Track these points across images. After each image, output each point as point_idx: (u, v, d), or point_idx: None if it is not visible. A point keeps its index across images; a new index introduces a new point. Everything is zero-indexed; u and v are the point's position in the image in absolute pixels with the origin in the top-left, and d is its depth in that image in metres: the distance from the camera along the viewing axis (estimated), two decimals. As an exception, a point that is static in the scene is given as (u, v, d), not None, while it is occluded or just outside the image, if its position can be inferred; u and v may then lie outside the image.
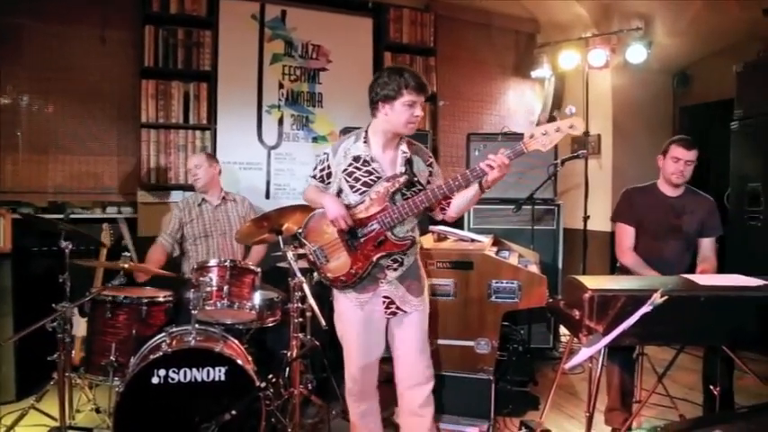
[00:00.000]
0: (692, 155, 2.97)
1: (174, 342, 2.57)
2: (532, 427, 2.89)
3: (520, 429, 2.95)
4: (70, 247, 2.84)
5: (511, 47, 5.72)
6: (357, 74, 4.76)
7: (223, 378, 2.50)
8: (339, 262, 2.36)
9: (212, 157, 3.68)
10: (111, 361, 2.67)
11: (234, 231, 3.37)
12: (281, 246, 2.79)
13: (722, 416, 2.38)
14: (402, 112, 2.26)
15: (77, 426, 2.86)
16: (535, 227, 4.16)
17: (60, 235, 2.83)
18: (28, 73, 4.02)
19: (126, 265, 2.77)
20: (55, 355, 2.67)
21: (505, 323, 3.20)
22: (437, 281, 2.99)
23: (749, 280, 2.30)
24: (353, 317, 2.40)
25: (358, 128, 2.47)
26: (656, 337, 2.19)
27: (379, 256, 2.31)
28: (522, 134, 2.21)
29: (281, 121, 4.67)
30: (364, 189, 2.33)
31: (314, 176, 2.48)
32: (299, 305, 2.78)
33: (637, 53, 4.78)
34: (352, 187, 2.34)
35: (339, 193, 2.39)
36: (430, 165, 2.45)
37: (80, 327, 3.00)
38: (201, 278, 2.76)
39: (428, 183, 2.40)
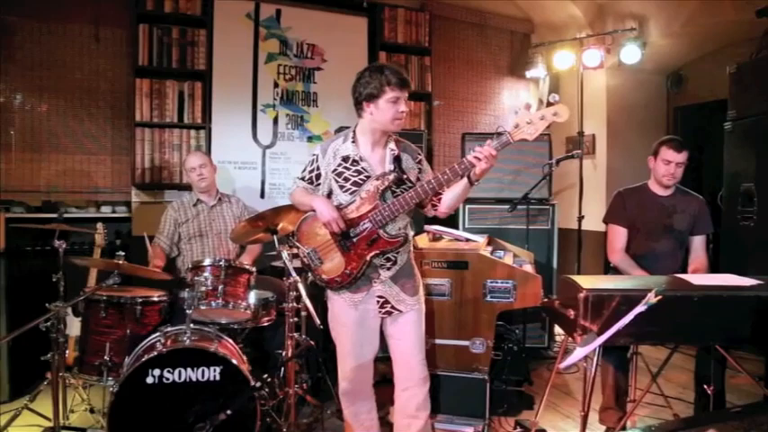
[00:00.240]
0: (682, 157, 2.99)
1: (168, 342, 2.56)
2: (527, 426, 2.90)
3: (515, 429, 2.96)
4: (64, 246, 2.83)
5: (506, 47, 5.73)
6: (352, 73, 4.53)
7: (218, 378, 2.49)
8: (333, 263, 2.36)
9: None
10: (106, 361, 2.66)
11: (229, 231, 3.36)
12: (276, 245, 2.78)
13: (716, 415, 2.39)
14: (387, 109, 2.26)
15: (71, 426, 2.86)
16: (530, 227, 4.18)
17: (54, 234, 2.82)
18: (21, 71, 4.00)
19: (121, 262, 2.76)
20: (48, 355, 2.65)
21: (500, 323, 3.21)
22: (432, 281, 2.99)
23: (742, 280, 2.32)
24: (347, 317, 2.40)
25: (353, 127, 2.47)
26: (651, 336, 2.20)
27: (372, 254, 2.31)
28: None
29: (275, 121, 4.65)
30: (354, 189, 2.33)
31: (302, 178, 2.47)
32: (294, 305, 2.78)
33: (631, 54, 4.79)
34: (341, 187, 2.35)
35: (329, 194, 2.39)
36: (419, 162, 2.46)
37: (74, 326, 2.98)
38: (196, 277, 2.75)
39: (418, 180, 2.40)
